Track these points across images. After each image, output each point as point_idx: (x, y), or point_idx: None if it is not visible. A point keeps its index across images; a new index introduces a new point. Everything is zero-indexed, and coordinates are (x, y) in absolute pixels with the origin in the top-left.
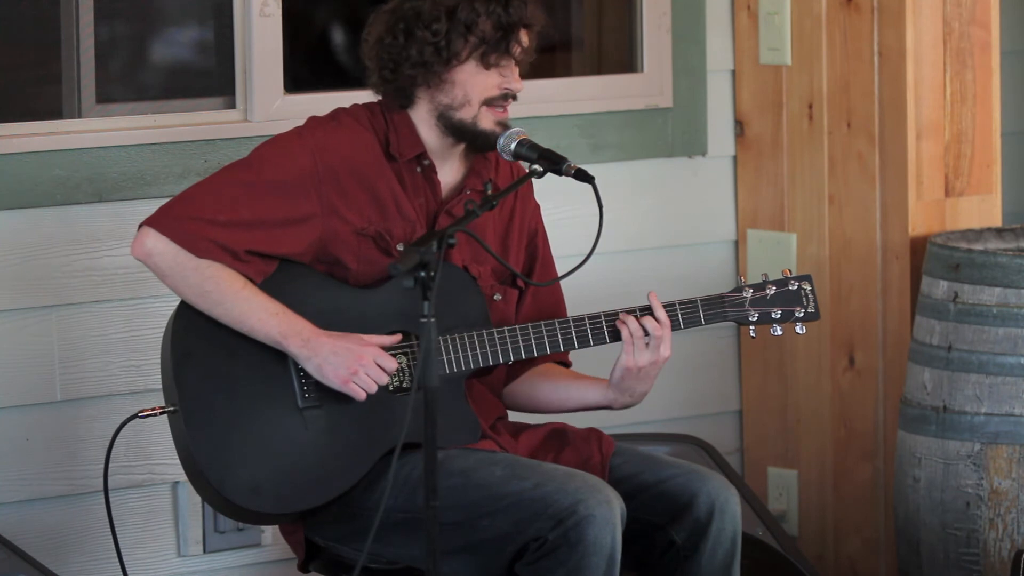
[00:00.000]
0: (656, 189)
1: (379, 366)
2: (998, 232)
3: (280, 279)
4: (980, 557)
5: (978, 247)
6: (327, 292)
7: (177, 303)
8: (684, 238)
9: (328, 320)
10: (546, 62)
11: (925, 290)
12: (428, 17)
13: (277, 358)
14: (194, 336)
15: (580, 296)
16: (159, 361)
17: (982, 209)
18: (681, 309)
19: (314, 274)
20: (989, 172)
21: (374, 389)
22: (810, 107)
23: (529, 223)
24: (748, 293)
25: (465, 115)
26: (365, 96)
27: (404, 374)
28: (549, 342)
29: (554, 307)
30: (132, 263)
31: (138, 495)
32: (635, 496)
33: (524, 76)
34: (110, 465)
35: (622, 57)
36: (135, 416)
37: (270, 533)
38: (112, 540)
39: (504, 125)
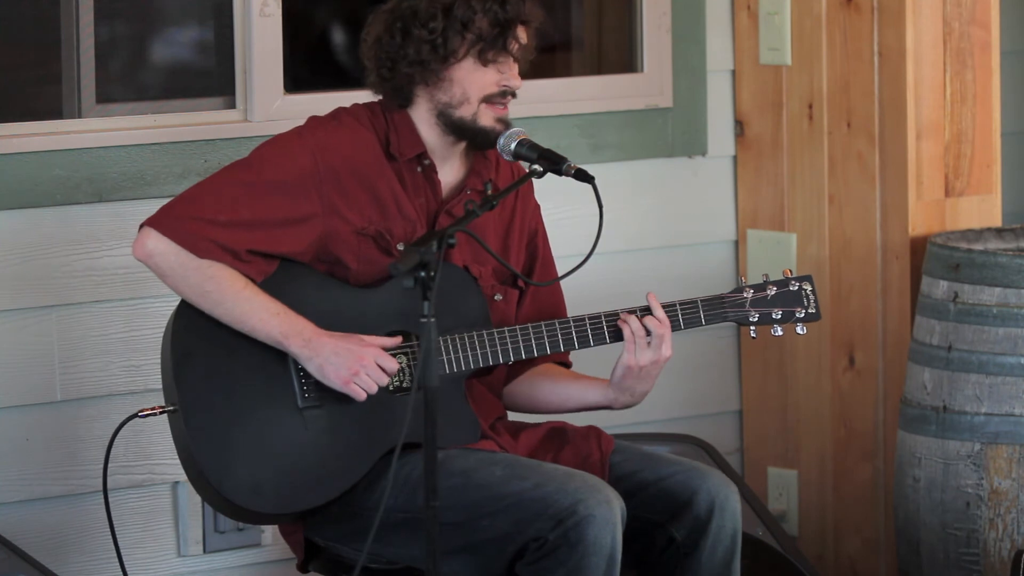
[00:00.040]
0: (656, 189)
1: (380, 367)
2: (998, 232)
3: (280, 279)
4: (980, 557)
5: (978, 247)
6: (327, 292)
7: (177, 303)
8: (684, 238)
9: (328, 319)
10: (546, 62)
11: (925, 290)
12: (425, 15)
13: (277, 358)
14: (194, 336)
15: (580, 296)
16: (159, 361)
17: (982, 209)
18: (681, 309)
19: (314, 274)
20: (989, 172)
21: (375, 390)
22: (810, 107)
23: (529, 223)
24: (749, 293)
25: (464, 113)
26: (365, 96)
27: (404, 374)
28: (549, 342)
29: (554, 307)
30: (132, 263)
31: (138, 495)
32: (635, 494)
33: (524, 76)
34: (110, 465)
35: (622, 57)
36: (135, 416)
37: (270, 533)
38: (112, 540)
39: (504, 122)
